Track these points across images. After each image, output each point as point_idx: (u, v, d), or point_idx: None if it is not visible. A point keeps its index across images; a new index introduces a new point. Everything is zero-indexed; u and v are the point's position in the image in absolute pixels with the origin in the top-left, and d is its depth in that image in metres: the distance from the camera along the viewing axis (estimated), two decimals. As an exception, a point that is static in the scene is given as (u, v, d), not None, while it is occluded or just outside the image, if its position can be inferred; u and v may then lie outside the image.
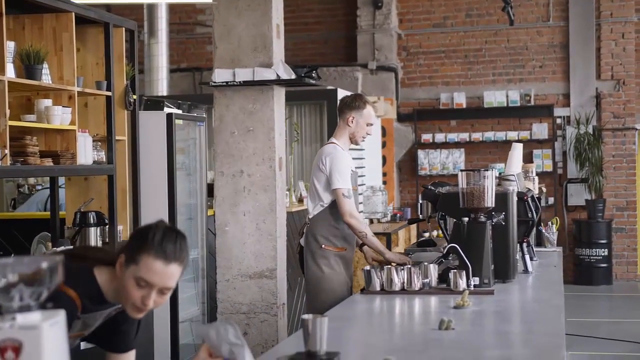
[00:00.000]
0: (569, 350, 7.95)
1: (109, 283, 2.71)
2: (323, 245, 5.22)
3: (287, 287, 6.48)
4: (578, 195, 12.64)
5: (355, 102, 5.33)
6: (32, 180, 8.41)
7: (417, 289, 4.25)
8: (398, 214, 10.86)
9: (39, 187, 8.44)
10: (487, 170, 4.42)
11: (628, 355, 8.13)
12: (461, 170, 4.47)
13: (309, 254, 5.27)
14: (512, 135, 12.62)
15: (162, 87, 10.81)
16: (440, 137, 12.93)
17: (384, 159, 12.44)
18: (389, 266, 4.36)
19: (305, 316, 2.74)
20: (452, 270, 4.25)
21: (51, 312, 1.79)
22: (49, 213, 5.75)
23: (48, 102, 5.05)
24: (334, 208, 5.18)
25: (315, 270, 5.24)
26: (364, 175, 10.51)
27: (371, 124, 5.37)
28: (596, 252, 12.29)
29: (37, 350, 1.72)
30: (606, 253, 12.32)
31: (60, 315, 1.79)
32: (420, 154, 12.96)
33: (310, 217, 5.33)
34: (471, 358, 2.90)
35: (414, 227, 11.30)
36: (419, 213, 5.21)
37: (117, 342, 2.93)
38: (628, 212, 12.66)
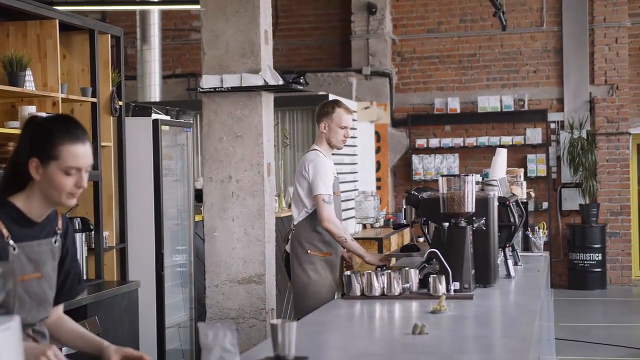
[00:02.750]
0: (561, 354, 7.95)
1: (27, 203, 2.73)
2: (309, 251, 5.28)
3: (276, 292, 6.49)
4: (572, 200, 12.64)
5: (324, 108, 5.41)
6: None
7: (397, 293, 4.26)
8: (391, 219, 10.86)
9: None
10: (468, 175, 4.44)
11: (614, 360, 8.15)
12: (442, 176, 4.48)
13: (295, 259, 5.33)
14: (506, 140, 12.64)
15: (154, 93, 10.83)
16: (434, 142, 12.95)
17: (379, 164, 12.46)
18: (369, 271, 4.37)
19: (274, 321, 2.76)
20: (432, 275, 4.26)
21: (5, 318, 1.80)
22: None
23: (32, 108, 5.07)
24: None
25: (302, 276, 5.29)
26: (357, 181, 10.53)
27: (345, 127, 5.38)
28: (590, 256, 12.30)
29: (-11, 355, 1.74)
30: (600, 257, 12.32)
31: (14, 321, 1.81)
32: (415, 159, 12.97)
33: (295, 223, 5.40)
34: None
35: (407, 232, 11.31)
36: (403, 218, 5.23)
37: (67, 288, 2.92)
38: (622, 217, 12.67)
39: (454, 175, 4.45)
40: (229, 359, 2.55)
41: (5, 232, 2.66)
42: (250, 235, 5.88)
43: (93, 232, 5.61)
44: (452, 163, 12.90)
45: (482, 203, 4.57)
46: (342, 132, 5.35)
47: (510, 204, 5.02)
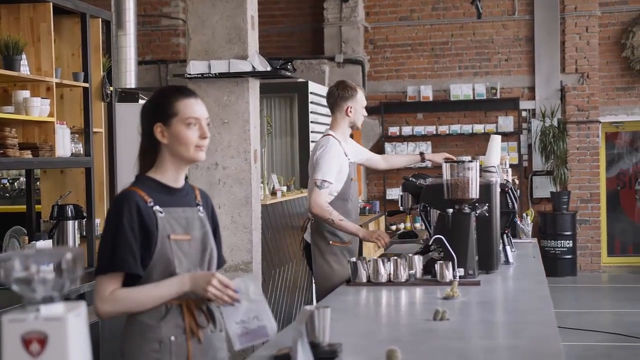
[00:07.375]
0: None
1: (160, 172, 2.90)
2: (331, 242, 5.18)
3: (262, 280, 6.47)
4: (543, 188, 12.77)
5: (348, 91, 5.35)
6: (13, 172, 8.32)
7: (403, 280, 4.26)
8: (367, 207, 10.88)
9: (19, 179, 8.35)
10: (472, 161, 4.44)
11: (594, 345, 8.24)
12: (445, 162, 4.47)
13: (317, 250, 5.20)
14: (479, 128, 12.71)
15: (130, 80, 10.67)
16: (407, 130, 12.98)
17: (351, 151, 12.44)
18: (376, 257, 4.36)
19: (309, 307, 2.73)
20: (439, 262, 4.26)
21: (74, 303, 1.77)
22: (24, 207, 5.65)
23: (26, 93, 4.97)
24: (338, 202, 5.14)
25: (325, 267, 5.17)
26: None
27: (365, 106, 5.46)
28: (561, 243, 12.43)
29: (63, 341, 1.70)
30: (571, 244, 12.47)
31: (82, 307, 1.77)
32: (388, 147, 12.99)
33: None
34: (472, 348, 2.92)
35: (382, 219, 11.34)
36: (400, 205, 5.20)
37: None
38: (592, 204, 12.82)
39: (458, 162, 4.44)
40: (257, 308, 2.51)
41: (148, 198, 2.82)
42: (237, 222, 5.85)
43: (85, 220, 5.52)
44: (424, 151, 12.92)
45: (485, 189, 4.57)
46: (363, 112, 5.44)
47: (509, 189, 5.04)
